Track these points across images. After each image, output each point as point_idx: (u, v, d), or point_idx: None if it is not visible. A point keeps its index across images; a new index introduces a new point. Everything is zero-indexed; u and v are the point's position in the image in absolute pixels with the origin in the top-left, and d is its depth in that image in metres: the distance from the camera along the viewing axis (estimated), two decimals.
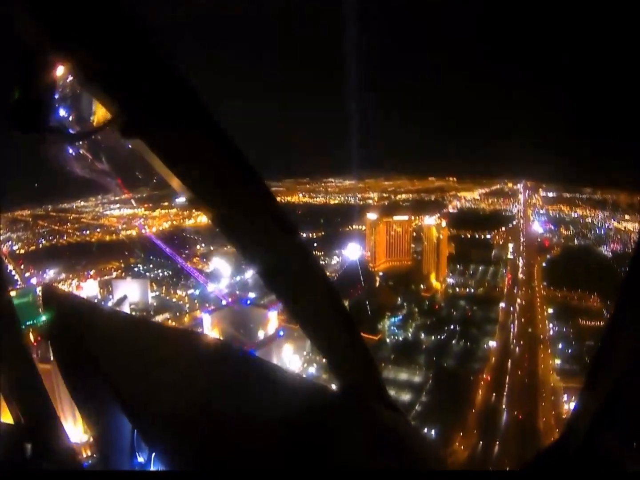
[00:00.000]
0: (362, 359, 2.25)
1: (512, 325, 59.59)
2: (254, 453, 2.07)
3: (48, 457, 3.20)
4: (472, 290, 68.45)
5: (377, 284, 69.57)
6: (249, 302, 57.42)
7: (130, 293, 60.95)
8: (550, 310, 59.79)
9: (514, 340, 56.39)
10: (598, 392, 1.74)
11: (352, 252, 72.02)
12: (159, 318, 54.82)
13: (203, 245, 75.05)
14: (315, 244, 75.44)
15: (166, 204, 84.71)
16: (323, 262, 72.71)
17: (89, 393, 2.99)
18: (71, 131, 1.79)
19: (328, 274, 68.14)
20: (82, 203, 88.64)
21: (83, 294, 59.71)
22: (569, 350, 50.86)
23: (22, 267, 64.30)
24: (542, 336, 55.92)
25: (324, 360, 2.28)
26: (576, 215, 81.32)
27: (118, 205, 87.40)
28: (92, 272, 65.14)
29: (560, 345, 52.31)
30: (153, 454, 2.77)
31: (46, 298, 3.31)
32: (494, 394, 47.57)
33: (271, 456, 2.05)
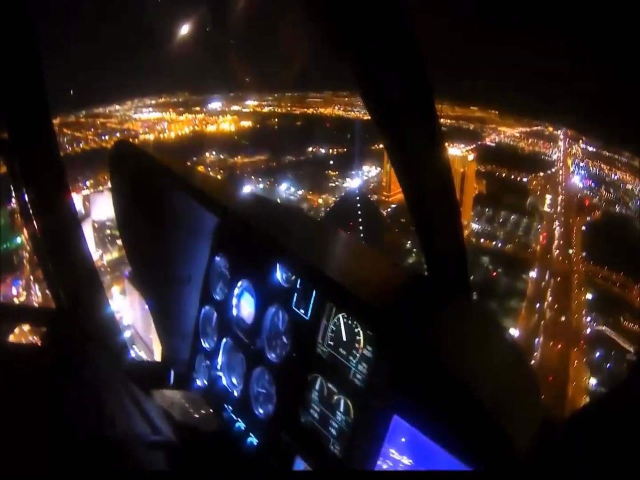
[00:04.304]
0: (459, 250, 2.17)
1: (541, 308, 49.88)
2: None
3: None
4: (500, 245, 58.82)
5: (382, 219, 59.42)
6: None
7: (109, 208, 51.39)
8: (589, 296, 50.09)
9: (542, 334, 46.61)
10: None
11: (365, 175, 65.28)
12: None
13: (213, 153, 71.01)
14: (331, 162, 69.34)
15: (197, 108, 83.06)
16: (333, 184, 67.28)
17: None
18: None
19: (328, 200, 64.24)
20: (117, 107, 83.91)
21: None
22: (608, 364, 41.41)
23: None
24: (577, 333, 46.30)
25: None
26: (616, 178, 72.81)
27: (150, 108, 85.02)
28: (88, 183, 60.32)
29: (597, 354, 42.67)
30: (223, 340, 2.96)
31: (116, 150, 3.24)
32: None
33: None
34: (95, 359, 2.23)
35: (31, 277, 41.51)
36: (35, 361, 2.13)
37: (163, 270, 3.16)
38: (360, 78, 1.64)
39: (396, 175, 1.99)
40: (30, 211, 2.93)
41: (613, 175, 73.81)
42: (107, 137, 75.08)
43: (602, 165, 76.06)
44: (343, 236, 2.92)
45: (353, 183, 66.08)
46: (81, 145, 72.48)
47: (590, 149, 79.47)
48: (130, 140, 68.62)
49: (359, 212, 54.33)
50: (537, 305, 50.63)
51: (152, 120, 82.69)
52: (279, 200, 56.26)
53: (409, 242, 53.02)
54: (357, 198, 58.09)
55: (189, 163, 63.95)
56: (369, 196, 64.27)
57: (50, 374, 1.91)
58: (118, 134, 75.85)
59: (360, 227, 52.78)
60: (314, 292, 2.36)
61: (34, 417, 1.72)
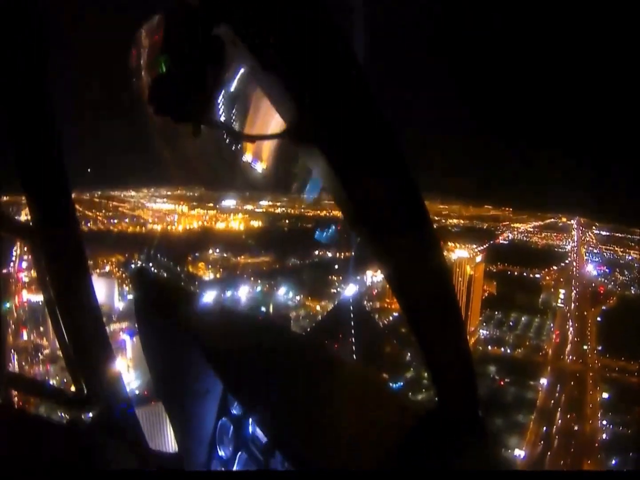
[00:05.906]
0: (467, 377, 2.20)
1: (552, 418, 46.38)
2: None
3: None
4: (509, 351, 56.35)
5: (379, 330, 56.17)
6: None
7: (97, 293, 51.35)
8: (605, 395, 47.43)
9: (553, 448, 42.88)
10: None
11: (367, 280, 63.44)
12: (113, 327, 45.96)
13: (217, 251, 69.56)
14: (336, 266, 67.34)
15: (211, 204, 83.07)
16: (335, 290, 65.11)
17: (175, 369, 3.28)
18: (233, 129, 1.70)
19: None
20: (132, 193, 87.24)
21: None
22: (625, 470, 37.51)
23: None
24: (591, 442, 43.15)
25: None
26: (630, 258, 74.16)
27: (165, 199, 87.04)
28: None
29: (613, 462, 39.44)
30: (239, 454, 2.99)
31: (137, 278, 3.83)
32: None
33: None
34: (115, 456, 2.44)
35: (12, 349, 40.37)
36: (57, 450, 2.36)
37: (182, 383, 3.31)
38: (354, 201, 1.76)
39: (392, 293, 1.96)
40: (54, 300, 2.95)
41: (627, 256, 74.60)
42: (116, 222, 76.42)
43: (616, 248, 76.64)
44: (345, 370, 3.14)
45: (353, 289, 64.37)
46: (89, 224, 72.29)
47: (603, 233, 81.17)
48: (139, 228, 74.71)
49: (353, 324, 50.94)
50: (551, 415, 47.07)
51: (163, 211, 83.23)
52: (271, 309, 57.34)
53: (408, 354, 49.58)
54: (351, 308, 55.11)
55: (189, 258, 65.88)
56: (369, 304, 62.42)
57: (70, 466, 2.07)
58: (127, 220, 77.81)
59: (353, 340, 48.86)
60: None
61: None
